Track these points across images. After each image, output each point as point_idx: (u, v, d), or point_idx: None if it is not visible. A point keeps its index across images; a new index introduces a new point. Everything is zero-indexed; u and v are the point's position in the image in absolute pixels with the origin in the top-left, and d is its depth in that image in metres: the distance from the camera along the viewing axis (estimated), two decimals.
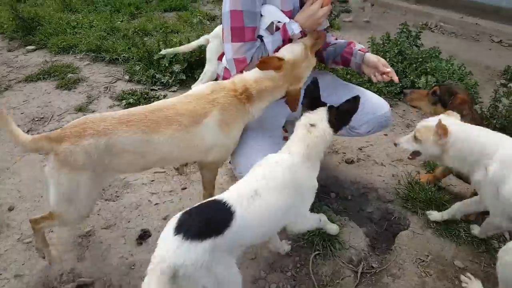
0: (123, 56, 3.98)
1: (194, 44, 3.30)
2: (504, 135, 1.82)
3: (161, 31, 4.64)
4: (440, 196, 2.32)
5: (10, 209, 2.24)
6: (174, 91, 3.53)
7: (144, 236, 2.09)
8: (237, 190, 1.48)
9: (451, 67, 3.56)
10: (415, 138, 1.91)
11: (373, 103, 2.19)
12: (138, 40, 3.90)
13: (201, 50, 3.63)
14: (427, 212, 2.23)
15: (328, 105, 1.71)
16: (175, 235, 1.27)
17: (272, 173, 1.52)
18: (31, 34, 4.44)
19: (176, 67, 3.61)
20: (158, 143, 1.62)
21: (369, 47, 3.87)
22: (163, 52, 3.41)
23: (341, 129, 1.73)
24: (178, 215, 1.36)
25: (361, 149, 2.84)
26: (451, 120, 1.85)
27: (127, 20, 5.08)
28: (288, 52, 1.80)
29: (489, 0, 5.49)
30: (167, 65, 3.64)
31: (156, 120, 1.61)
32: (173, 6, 5.68)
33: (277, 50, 1.89)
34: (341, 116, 1.69)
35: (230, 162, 2.20)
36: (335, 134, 1.72)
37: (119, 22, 5.00)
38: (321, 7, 1.85)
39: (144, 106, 1.72)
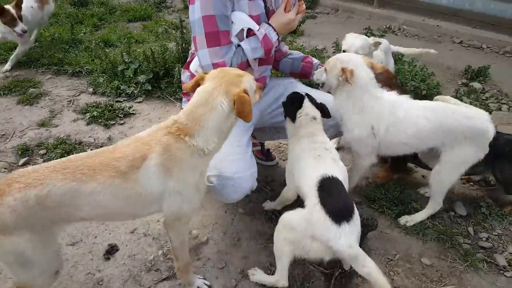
0: (87, 69, 3.90)
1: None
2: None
3: (125, 41, 4.57)
4: (405, 195, 2.39)
5: None
6: (139, 101, 3.48)
7: (111, 251, 2.03)
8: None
9: (413, 69, 3.68)
10: (325, 70, 2.10)
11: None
12: (101, 52, 3.82)
13: (165, 59, 3.61)
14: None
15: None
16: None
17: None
18: None
19: (141, 78, 3.56)
20: (94, 192, 1.38)
21: (334, 52, 3.96)
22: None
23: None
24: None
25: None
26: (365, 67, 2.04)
27: (90, 32, 4.97)
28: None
29: (449, 3, 5.73)
30: (131, 75, 3.58)
31: (92, 167, 1.38)
32: (137, 16, 5.61)
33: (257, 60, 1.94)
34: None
35: None
36: None
37: (82, 34, 4.89)
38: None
39: (88, 151, 1.53)
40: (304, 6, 1.96)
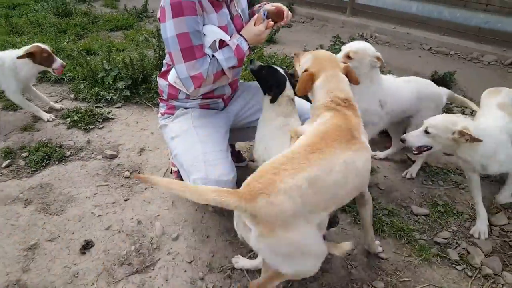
0: (68, 76, 4.01)
1: None
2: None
3: (105, 50, 4.70)
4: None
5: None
6: (118, 107, 3.60)
7: (87, 246, 2.15)
8: None
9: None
10: (426, 133, 2.17)
11: (302, 108, 2.35)
12: (83, 60, 3.94)
13: (144, 66, 3.74)
14: None
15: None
16: None
17: None
18: None
19: (120, 84, 3.69)
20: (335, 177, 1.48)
21: None
22: None
23: None
24: None
25: None
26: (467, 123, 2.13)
27: (73, 41, 5.08)
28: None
29: (419, 11, 5.99)
30: (111, 82, 3.71)
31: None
32: (119, 26, 5.74)
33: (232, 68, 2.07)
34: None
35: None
36: None
37: (65, 43, 5.00)
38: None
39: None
40: (272, 23, 2.08)
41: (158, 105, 3.62)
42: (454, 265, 2.14)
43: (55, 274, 1.99)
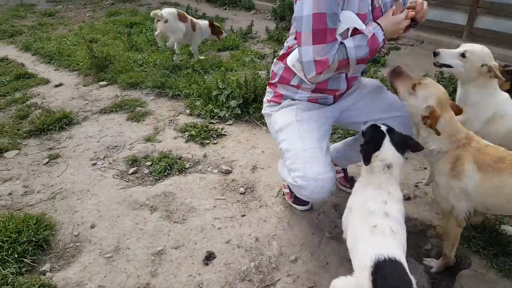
0: (184, 92, 4.32)
1: None
2: None
3: (216, 69, 4.98)
4: (505, 236, 2.30)
5: (92, 226, 2.48)
6: (230, 124, 3.76)
7: (209, 257, 2.23)
8: None
9: None
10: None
11: (390, 103, 2.28)
12: (199, 78, 4.21)
13: (256, 86, 3.88)
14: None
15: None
16: None
17: None
18: (103, 71, 4.92)
19: (233, 103, 3.86)
20: None
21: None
22: None
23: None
24: None
25: (417, 186, 2.87)
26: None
27: (186, 59, 5.49)
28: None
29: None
30: (224, 100, 3.91)
31: None
32: (226, 46, 6.07)
33: (361, 59, 1.96)
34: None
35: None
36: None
37: (179, 61, 5.41)
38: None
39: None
40: (412, 13, 1.94)
41: (266, 124, 3.75)
42: None
43: (181, 282, 2.09)
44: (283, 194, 2.73)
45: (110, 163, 3.15)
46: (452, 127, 1.87)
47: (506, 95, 2.38)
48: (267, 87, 2.42)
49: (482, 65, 2.24)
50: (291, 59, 2.14)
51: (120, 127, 3.72)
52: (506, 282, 2.07)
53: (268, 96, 2.41)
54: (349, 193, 2.72)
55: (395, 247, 1.54)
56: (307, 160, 2.05)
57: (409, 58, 5.82)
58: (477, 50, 2.26)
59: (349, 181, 2.82)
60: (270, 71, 2.40)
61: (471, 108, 2.32)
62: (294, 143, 2.13)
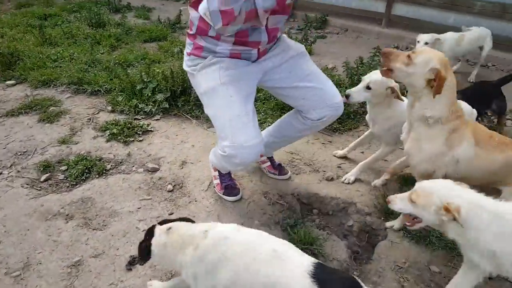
0: (105, 88, 4.07)
1: None
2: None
3: (142, 61, 4.75)
4: None
5: None
6: (157, 119, 3.62)
7: (133, 262, 2.12)
8: None
9: None
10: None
11: (326, 92, 2.31)
12: (121, 71, 3.98)
13: (184, 79, 3.76)
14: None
15: None
16: None
17: None
18: (10, 69, 4.48)
19: (159, 96, 3.71)
20: None
21: (344, 71, 4.08)
22: None
23: None
24: None
25: (339, 167, 2.97)
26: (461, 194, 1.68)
27: (107, 52, 5.18)
28: None
29: (456, 23, 5.82)
30: (149, 94, 3.74)
31: None
32: (153, 37, 5.82)
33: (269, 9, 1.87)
34: None
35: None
36: None
37: (100, 54, 5.10)
38: None
39: None
40: None
41: (196, 117, 3.66)
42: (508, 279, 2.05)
43: None
44: (214, 187, 2.68)
45: (18, 171, 2.87)
46: (453, 93, 1.96)
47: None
48: (187, 38, 2.28)
49: (387, 88, 2.49)
50: (202, 9, 1.97)
51: (30, 130, 3.41)
52: (418, 248, 2.23)
53: (188, 49, 2.28)
54: (278, 180, 2.81)
55: None
56: (234, 128, 2.06)
57: (335, 46, 6.00)
58: (378, 79, 2.45)
59: (277, 168, 2.85)
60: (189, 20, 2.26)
61: (380, 122, 2.65)
62: (220, 110, 2.11)
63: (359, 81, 3.80)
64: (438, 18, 6.00)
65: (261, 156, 2.81)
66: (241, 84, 2.15)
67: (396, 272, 2.08)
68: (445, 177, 2.05)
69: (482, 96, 3.23)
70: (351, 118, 3.59)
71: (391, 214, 2.40)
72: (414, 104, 2.04)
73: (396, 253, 2.19)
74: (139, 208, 2.52)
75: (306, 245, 2.15)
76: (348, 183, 2.76)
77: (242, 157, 2.10)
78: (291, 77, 2.30)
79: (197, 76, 2.23)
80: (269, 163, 2.85)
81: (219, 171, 2.65)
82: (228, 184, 2.61)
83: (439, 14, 6.01)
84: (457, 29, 5.54)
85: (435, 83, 1.88)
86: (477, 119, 2.86)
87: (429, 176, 2.07)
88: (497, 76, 4.16)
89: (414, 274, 2.08)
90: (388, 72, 2.06)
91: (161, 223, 1.77)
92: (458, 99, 2.50)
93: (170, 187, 2.70)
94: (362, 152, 3.13)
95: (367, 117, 2.79)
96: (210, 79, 2.15)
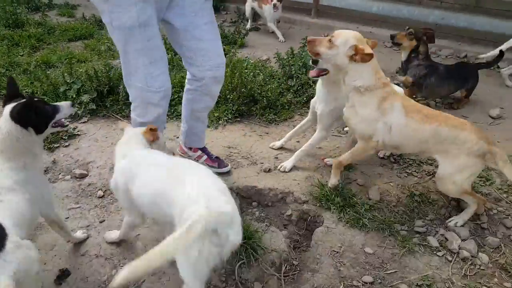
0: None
1: None
2: None
3: (66, 61, 4.48)
4: (348, 191, 2.56)
5: None
6: (84, 122, 3.43)
7: (62, 276, 2.00)
8: None
9: None
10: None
11: (211, 51, 2.33)
12: (41, 73, 3.72)
13: (110, 77, 3.60)
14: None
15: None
16: None
17: None
18: None
19: (85, 97, 3.51)
20: None
21: (275, 62, 4.13)
22: None
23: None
24: None
25: (277, 158, 3.01)
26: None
27: (28, 54, 4.81)
28: None
29: (379, 10, 6.15)
30: (74, 96, 3.53)
31: None
32: (78, 35, 5.50)
33: None
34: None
35: None
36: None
37: (19, 56, 4.72)
38: None
39: None
40: None
41: (127, 117, 3.51)
42: (435, 252, 2.21)
43: None
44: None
45: None
46: (375, 63, 2.26)
47: None
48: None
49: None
50: None
51: None
52: (352, 232, 2.32)
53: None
54: (222, 173, 2.75)
55: None
56: (150, 73, 2.12)
57: (268, 38, 6.06)
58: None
59: (215, 160, 2.83)
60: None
61: (328, 102, 2.70)
62: (137, 56, 2.09)
63: (291, 72, 3.90)
64: (363, 7, 6.30)
65: (195, 150, 2.83)
66: (156, 28, 2.10)
67: (332, 257, 2.15)
68: (382, 145, 2.38)
69: (462, 74, 3.84)
70: (285, 109, 3.66)
71: (327, 201, 2.49)
72: (345, 80, 2.30)
73: (332, 238, 2.27)
74: (67, 218, 2.37)
75: (244, 239, 2.15)
76: (285, 172, 2.82)
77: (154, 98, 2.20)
78: (194, 20, 2.22)
79: (106, 7, 1.99)
80: (205, 157, 2.82)
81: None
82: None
83: (363, 2, 6.30)
84: (380, 17, 5.84)
85: (357, 56, 2.18)
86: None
87: (369, 138, 2.36)
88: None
89: (349, 257, 2.15)
90: (317, 56, 2.32)
91: None
92: (445, 74, 3.64)
93: (100, 193, 2.57)
94: (298, 142, 3.20)
95: (313, 100, 2.84)
96: (126, 15, 1.96)
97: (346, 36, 2.22)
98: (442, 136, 2.26)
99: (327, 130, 2.81)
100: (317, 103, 2.78)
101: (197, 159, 2.84)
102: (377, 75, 2.26)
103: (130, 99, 2.33)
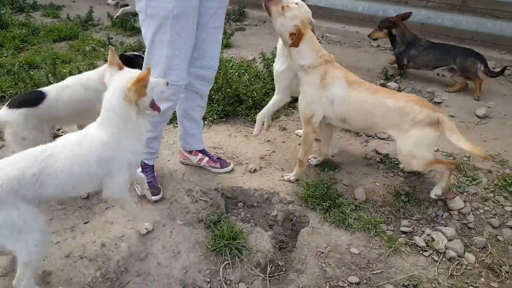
0: (10, 93, 3.72)
1: None
2: None
3: (50, 62, 4.42)
4: (333, 191, 2.57)
5: None
6: None
7: (46, 278, 1.97)
8: None
9: None
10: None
11: (208, 52, 2.43)
12: (25, 74, 3.67)
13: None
14: None
15: None
16: None
17: None
18: None
19: None
20: None
21: (261, 62, 4.14)
22: None
23: None
24: None
25: (262, 158, 3.01)
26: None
27: (12, 55, 4.74)
28: None
29: (365, 10, 6.20)
30: None
31: None
32: (63, 36, 5.43)
33: None
34: None
35: None
36: None
37: (3, 57, 4.65)
38: None
39: None
40: None
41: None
42: (421, 252, 2.22)
43: None
44: (135, 187, 2.57)
45: None
46: (315, 44, 2.40)
47: None
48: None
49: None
50: None
51: None
52: (338, 232, 2.33)
53: None
54: (202, 177, 2.75)
55: None
56: (170, 66, 2.17)
57: (254, 38, 6.06)
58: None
59: (217, 161, 2.82)
60: None
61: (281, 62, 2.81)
62: (162, 47, 2.14)
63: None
64: (349, 7, 6.36)
65: (195, 154, 2.83)
66: (190, 21, 2.16)
67: (318, 257, 2.15)
68: (324, 118, 2.51)
69: (447, 48, 4.33)
70: None
71: (313, 202, 2.50)
72: (291, 56, 2.42)
73: (317, 238, 2.27)
74: (51, 219, 2.34)
75: (229, 240, 2.16)
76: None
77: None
78: (206, 22, 2.33)
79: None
80: (207, 158, 2.82)
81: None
82: (150, 182, 2.53)
83: (349, 2, 6.34)
84: (367, 16, 5.89)
85: (294, 37, 2.29)
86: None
87: (310, 118, 2.49)
88: None
89: (335, 258, 2.16)
90: (268, 12, 2.38)
91: None
92: (426, 45, 4.18)
93: (84, 194, 2.54)
94: (284, 142, 3.21)
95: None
96: (161, 7, 2.06)
97: (296, 13, 2.32)
98: (386, 108, 2.33)
99: (284, 93, 2.89)
100: (275, 63, 2.87)
101: (198, 163, 2.83)
102: (318, 53, 2.38)
103: None
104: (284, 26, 2.33)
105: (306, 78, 2.42)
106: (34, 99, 2.43)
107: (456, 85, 4.19)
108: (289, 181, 2.69)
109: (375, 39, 4.68)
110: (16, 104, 2.38)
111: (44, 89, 2.55)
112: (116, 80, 1.81)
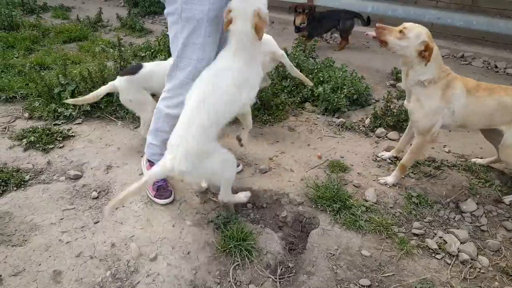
0: (21, 93, 3.75)
1: (102, 91, 3.07)
2: None
3: (60, 63, 4.45)
4: (344, 192, 2.55)
5: None
6: (79, 123, 3.41)
7: (57, 277, 1.98)
8: None
9: (343, 74, 3.93)
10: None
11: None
12: (36, 75, 3.70)
13: (104, 78, 3.58)
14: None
15: None
16: None
17: None
18: None
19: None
20: None
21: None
22: (69, 101, 3.17)
23: None
24: None
25: (272, 159, 3.00)
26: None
27: (23, 56, 4.78)
28: None
29: (374, 10, 6.17)
30: (69, 97, 3.50)
31: None
32: (72, 37, 5.48)
33: None
34: None
35: None
36: None
37: (14, 58, 4.70)
38: None
39: None
40: None
41: (121, 118, 3.49)
42: (433, 255, 2.19)
43: None
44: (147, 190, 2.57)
45: None
46: (440, 58, 2.41)
47: None
48: None
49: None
50: None
51: None
52: (348, 234, 2.30)
53: None
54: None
55: None
56: (198, 67, 2.15)
57: None
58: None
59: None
60: None
61: None
62: (194, 48, 2.14)
63: (285, 72, 3.90)
64: (358, 7, 6.31)
65: None
66: (220, 21, 2.16)
67: (329, 259, 2.13)
68: (444, 127, 2.56)
69: (334, 17, 5.47)
70: (280, 109, 3.65)
71: (323, 204, 2.47)
72: (408, 73, 2.44)
73: (328, 240, 2.25)
74: (61, 219, 2.36)
75: (239, 241, 2.15)
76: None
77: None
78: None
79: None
80: None
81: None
82: (161, 185, 2.53)
83: (358, 2, 6.35)
84: (376, 16, 5.88)
85: (426, 54, 2.30)
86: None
87: (428, 131, 2.51)
88: None
89: (346, 260, 2.13)
90: (383, 43, 2.43)
91: None
92: (320, 17, 4.93)
93: (95, 194, 2.55)
94: (293, 143, 3.18)
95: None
96: (197, 9, 2.05)
97: (420, 31, 2.34)
98: (503, 106, 2.42)
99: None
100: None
101: None
102: (441, 68, 2.40)
103: (165, 89, 2.37)
104: (409, 48, 2.34)
105: (424, 92, 2.43)
106: (134, 69, 2.95)
107: (342, 43, 5.44)
108: (386, 184, 2.71)
109: (303, 24, 5.34)
110: (122, 73, 2.97)
111: (145, 63, 3.04)
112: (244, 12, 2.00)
